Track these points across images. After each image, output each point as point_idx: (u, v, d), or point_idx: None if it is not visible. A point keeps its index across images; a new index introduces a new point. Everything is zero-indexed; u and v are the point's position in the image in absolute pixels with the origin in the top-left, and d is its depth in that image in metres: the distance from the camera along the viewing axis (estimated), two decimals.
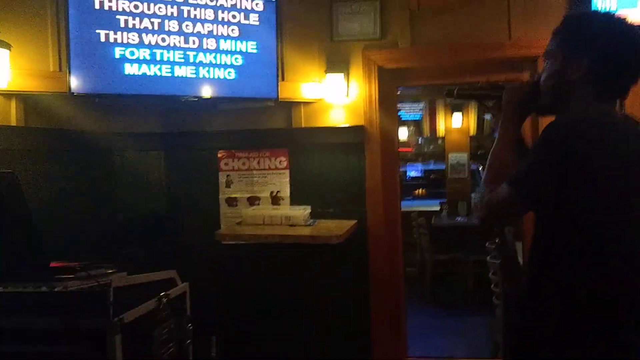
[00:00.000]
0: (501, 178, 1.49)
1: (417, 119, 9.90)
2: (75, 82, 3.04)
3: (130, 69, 3.18)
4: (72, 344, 1.82)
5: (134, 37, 3.19)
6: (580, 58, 1.50)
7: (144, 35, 3.22)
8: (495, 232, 4.47)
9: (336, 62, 3.76)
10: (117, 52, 3.15)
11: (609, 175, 1.38)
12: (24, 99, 3.11)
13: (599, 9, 1.56)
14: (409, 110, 9.61)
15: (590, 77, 1.50)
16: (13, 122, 3.05)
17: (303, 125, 3.86)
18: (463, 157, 7.25)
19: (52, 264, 1.86)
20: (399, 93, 4.18)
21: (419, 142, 10.27)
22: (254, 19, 3.51)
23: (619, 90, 1.55)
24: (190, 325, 2.38)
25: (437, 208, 7.11)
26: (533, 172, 1.43)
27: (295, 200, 3.88)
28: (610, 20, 1.54)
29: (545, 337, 1.45)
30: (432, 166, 9.51)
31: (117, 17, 3.15)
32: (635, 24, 1.52)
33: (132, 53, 3.18)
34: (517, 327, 1.59)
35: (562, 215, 1.44)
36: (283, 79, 3.71)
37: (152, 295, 2.15)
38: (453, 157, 7.30)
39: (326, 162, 3.83)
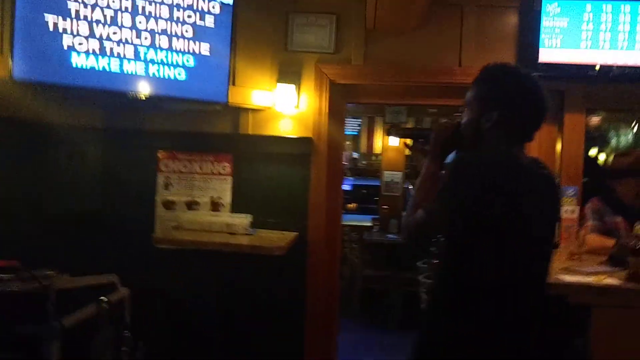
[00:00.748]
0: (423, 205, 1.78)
1: (355, 134, 9.98)
2: (17, 68, 2.88)
3: (77, 60, 3.04)
4: (6, 350, 1.70)
5: (84, 27, 3.05)
6: (491, 111, 1.78)
7: (94, 25, 3.08)
8: (429, 251, 4.57)
9: (289, 72, 3.74)
10: (65, 40, 3.00)
11: (491, 206, 1.64)
12: None
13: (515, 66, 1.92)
14: (347, 126, 9.66)
15: (499, 126, 1.78)
16: None
17: (250, 132, 3.81)
18: (398, 175, 7.36)
19: None
20: None
21: (354, 156, 10.36)
22: (209, 21, 3.44)
23: (524, 136, 1.84)
24: (127, 332, 2.28)
25: (369, 223, 7.18)
26: (442, 202, 1.70)
27: (236, 207, 3.81)
28: (519, 79, 1.83)
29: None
30: (364, 182, 9.58)
31: (69, 3, 3.00)
32: (538, 80, 1.84)
33: (80, 43, 3.04)
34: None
35: (456, 238, 1.73)
36: (234, 84, 3.65)
37: (91, 299, 2.05)
38: (388, 174, 7.39)
39: (271, 171, 3.79)
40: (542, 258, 1.84)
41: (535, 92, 1.81)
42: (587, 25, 3.53)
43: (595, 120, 5.80)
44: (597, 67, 3.50)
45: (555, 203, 1.94)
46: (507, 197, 1.66)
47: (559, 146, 3.76)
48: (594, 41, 3.51)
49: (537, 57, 3.52)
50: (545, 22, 3.52)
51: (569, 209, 3.44)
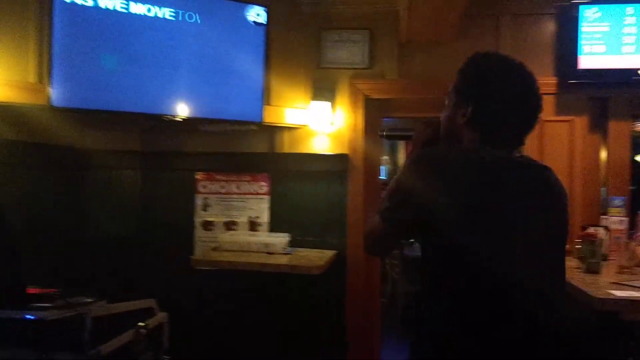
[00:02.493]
0: None
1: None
2: (56, 95, 2.94)
3: (115, 85, 3.08)
4: None
5: (123, 54, 3.10)
6: (464, 104, 1.52)
7: (131, 52, 3.13)
8: None
9: (323, 89, 3.73)
10: (104, 65, 3.05)
11: (449, 206, 1.38)
12: (1, 110, 2.97)
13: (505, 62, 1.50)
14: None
15: (475, 123, 1.50)
16: None
17: (286, 151, 3.80)
18: None
19: (29, 290, 1.75)
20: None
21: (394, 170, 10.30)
22: (243, 40, 3.46)
23: (507, 139, 1.52)
24: (166, 357, 2.27)
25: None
26: (391, 208, 1.47)
27: (274, 227, 3.79)
28: (500, 70, 1.52)
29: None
30: None
31: (105, 31, 3.06)
32: (530, 75, 1.52)
33: (118, 69, 3.09)
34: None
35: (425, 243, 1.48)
36: (268, 103, 3.65)
37: (129, 324, 2.04)
38: None
39: (307, 189, 3.77)
40: (537, 264, 1.44)
41: (521, 87, 1.50)
42: (629, 29, 3.41)
43: None
44: None
45: (551, 202, 1.53)
46: (468, 195, 1.38)
47: (603, 155, 3.63)
48: (637, 45, 3.39)
49: (577, 64, 3.42)
50: (585, 28, 3.42)
51: (616, 220, 3.32)
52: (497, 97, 1.48)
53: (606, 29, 3.41)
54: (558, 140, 3.60)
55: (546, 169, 1.56)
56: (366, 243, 1.60)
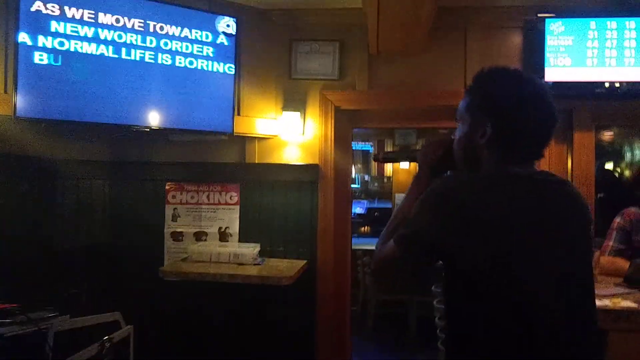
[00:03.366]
0: None
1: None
2: (21, 106, 2.90)
3: (81, 96, 3.05)
4: None
5: (87, 65, 3.07)
6: (484, 123, 1.47)
7: (98, 62, 3.11)
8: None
9: (293, 100, 3.74)
10: (68, 77, 3.02)
11: (480, 235, 1.34)
12: None
13: (511, 70, 1.45)
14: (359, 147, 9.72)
15: (496, 141, 1.47)
16: None
17: (256, 161, 3.80)
18: None
19: None
20: None
21: (365, 179, 10.35)
22: (213, 51, 3.46)
23: (529, 154, 1.50)
24: None
25: None
26: (415, 234, 1.41)
27: (244, 237, 3.79)
28: (515, 84, 1.48)
29: None
30: (377, 204, 9.54)
31: (72, 42, 3.03)
32: (544, 85, 1.51)
33: (83, 79, 3.06)
34: None
35: (450, 271, 1.44)
36: (239, 114, 3.65)
37: (94, 338, 2.02)
38: (399, 197, 7.36)
39: (278, 199, 3.77)
40: (575, 290, 1.42)
41: (538, 99, 1.46)
42: (593, 42, 3.49)
43: (608, 135, 5.73)
44: (607, 85, 3.45)
45: (581, 219, 1.50)
46: (499, 225, 1.35)
47: (569, 164, 3.70)
48: (599, 59, 3.47)
49: (543, 76, 3.48)
50: (550, 42, 3.49)
51: None
52: (517, 113, 1.44)
53: (570, 42, 3.48)
54: None
55: (567, 183, 1.55)
56: (380, 271, 1.54)
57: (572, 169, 3.67)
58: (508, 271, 1.35)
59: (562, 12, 3.52)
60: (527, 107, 1.44)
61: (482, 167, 1.50)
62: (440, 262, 1.45)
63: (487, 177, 1.46)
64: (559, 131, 3.63)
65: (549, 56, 3.50)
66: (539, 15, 3.51)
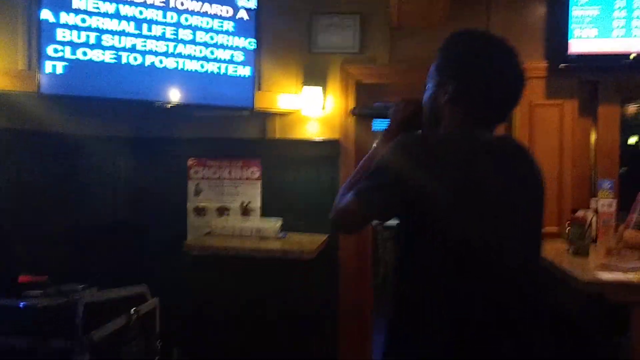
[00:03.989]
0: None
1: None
2: (44, 82, 2.93)
3: (104, 72, 3.08)
4: None
5: (109, 40, 3.09)
6: (446, 83, 1.48)
7: (121, 38, 3.12)
8: None
9: (314, 75, 3.73)
10: (91, 54, 3.04)
11: (432, 189, 1.35)
12: None
13: (480, 31, 1.46)
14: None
15: (456, 102, 1.47)
16: None
17: (277, 137, 3.81)
18: None
19: (21, 278, 1.76)
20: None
21: None
22: (233, 26, 3.45)
23: (490, 117, 1.50)
24: (159, 342, 2.30)
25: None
26: (373, 188, 1.40)
27: (266, 212, 3.81)
28: (479, 47, 1.49)
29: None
30: None
31: (94, 18, 3.05)
32: (510, 50, 1.48)
33: (107, 56, 3.08)
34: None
35: (407, 230, 1.43)
36: (259, 89, 3.65)
37: (121, 310, 2.06)
38: None
39: (299, 174, 3.78)
40: (522, 245, 1.45)
41: (502, 63, 1.46)
42: (620, 12, 3.41)
43: (633, 108, 5.63)
44: (632, 56, 3.38)
45: (534, 182, 1.51)
46: (454, 177, 1.35)
47: (593, 138, 3.65)
48: (626, 29, 3.39)
49: (567, 49, 3.43)
50: (575, 12, 3.43)
51: (605, 203, 3.35)
52: (479, 74, 1.45)
53: (596, 12, 3.41)
54: (548, 124, 3.61)
55: (524, 149, 1.55)
56: (337, 221, 1.50)
57: (596, 143, 3.62)
58: (457, 225, 1.36)
59: None
60: (487, 71, 1.45)
61: (445, 127, 1.51)
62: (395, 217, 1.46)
63: (445, 136, 1.47)
64: (584, 104, 3.61)
65: (573, 27, 3.44)
66: None
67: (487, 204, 1.39)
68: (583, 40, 3.43)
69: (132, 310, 2.08)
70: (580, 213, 3.14)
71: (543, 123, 3.62)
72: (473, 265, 1.37)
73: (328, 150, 3.74)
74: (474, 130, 1.46)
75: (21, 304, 1.70)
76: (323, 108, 3.72)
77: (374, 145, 1.65)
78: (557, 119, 3.62)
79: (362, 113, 1.97)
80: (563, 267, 2.64)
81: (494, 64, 1.45)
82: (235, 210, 3.85)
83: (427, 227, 1.39)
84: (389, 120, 1.72)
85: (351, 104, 3.73)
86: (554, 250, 3.08)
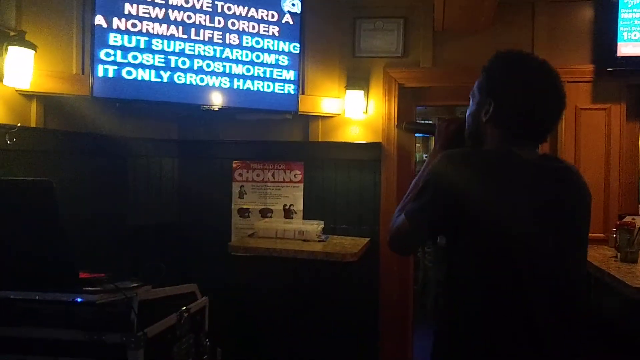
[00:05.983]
0: None
1: (425, 136, 9.88)
2: (97, 86, 3.02)
3: (153, 76, 3.16)
4: (94, 357, 1.79)
5: (158, 44, 3.17)
6: (487, 103, 1.52)
7: (169, 42, 3.20)
8: None
9: (357, 78, 3.75)
10: (141, 58, 3.12)
11: (474, 205, 1.40)
12: (44, 100, 3.07)
13: (528, 54, 1.51)
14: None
15: (496, 120, 1.51)
16: (32, 123, 3.02)
17: (320, 140, 3.84)
18: None
19: (81, 274, 1.83)
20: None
21: (424, 158, 10.27)
22: (278, 31, 3.50)
23: (530, 136, 1.53)
24: (207, 340, 2.34)
25: None
26: (419, 208, 1.47)
27: (308, 214, 3.85)
28: (520, 69, 1.53)
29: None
30: None
31: (144, 23, 3.13)
32: (551, 72, 1.51)
33: (156, 60, 3.16)
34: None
35: (453, 245, 1.48)
36: (303, 93, 3.69)
37: (172, 308, 2.11)
38: None
39: (341, 177, 3.81)
40: (560, 261, 1.45)
41: (542, 83, 1.50)
42: None
43: None
44: None
45: (573, 201, 1.52)
46: (492, 195, 1.41)
47: None
48: None
49: (615, 51, 3.38)
50: (624, 15, 3.38)
51: None
52: (517, 97, 1.49)
53: None
54: (594, 129, 3.56)
55: (569, 169, 1.57)
56: (392, 243, 1.59)
57: None
58: (496, 240, 1.40)
59: None
60: (528, 91, 1.49)
61: (486, 144, 1.55)
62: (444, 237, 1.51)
63: (484, 153, 1.52)
64: (631, 108, 3.55)
65: (622, 30, 3.39)
66: None
67: (525, 220, 1.41)
68: (632, 43, 3.38)
69: (184, 308, 2.12)
70: (628, 219, 3.10)
71: (589, 127, 3.57)
72: (511, 278, 1.40)
73: (370, 153, 3.76)
74: (513, 148, 1.48)
75: (80, 299, 1.76)
76: (365, 111, 3.75)
77: (425, 163, 1.70)
78: (603, 123, 3.57)
79: (409, 128, 2.03)
80: (611, 274, 2.61)
81: (533, 87, 1.49)
82: (278, 212, 3.90)
83: (469, 242, 1.43)
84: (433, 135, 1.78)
85: (393, 108, 3.75)
86: (601, 257, 3.04)
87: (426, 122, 1.95)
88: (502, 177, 1.44)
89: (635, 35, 3.38)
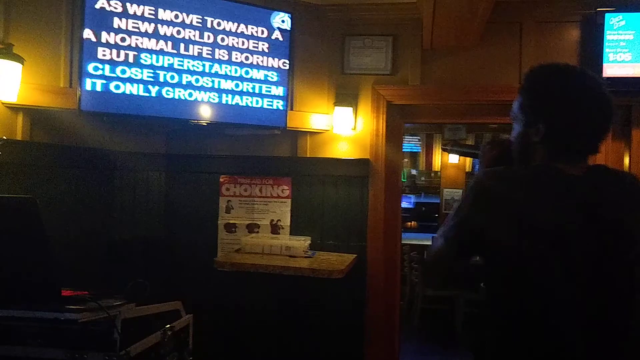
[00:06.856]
0: None
1: (416, 150, 9.93)
2: (85, 100, 3.01)
3: (142, 91, 3.15)
4: None
5: (147, 59, 3.16)
6: (537, 123, 1.49)
7: (158, 57, 3.20)
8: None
9: (345, 95, 3.77)
10: (130, 72, 3.12)
11: (510, 227, 1.37)
12: (31, 113, 3.05)
13: (564, 65, 1.45)
14: (406, 142, 9.70)
15: (549, 139, 1.48)
16: (18, 136, 3.00)
17: (308, 155, 3.85)
18: (458, 192, 7.26)
19: (63, 292, 1.81)
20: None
21: (412, 173, 10.30)
22: (267, 47, 3.51)
23: (584, 149, 1.49)
24: (191, 358, 2.32)
25: (429, 242, 7.06)
26: (457, 225, 1.46)
27: (295, 230, 3.84)
28: (565, 81, 1.49)
29: None
30: (423, 199, 9.49)
31: (133, 38, 3.13)
32: (596, 79, 1.49)
33: (145, 75, 3.16)
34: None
35: (488, 262, 1.46)
36: (292, 108, 3.70)
37: (156, 326, 2.09)
38: (448, 192, 7.31)
39: (329, 193, 3.81)
40: (618, 292, 1.39)
41: (590, 94, 1.46)
42: None
43: None
44: None
45: (627, 211, 1.44)
46: (530, 214, 1.36)
47: (627, 161, 3.62)
48: None
49: (601, 72, 3.42)
50: (609, 36, 3.42)
51: None
52: (570, 112, 1.45)
53: (630, 37, 3.41)
54: None
55: (627, 176, 1.53)
56: (425, 265, 1.55)
57: (629, 166, 3.58)
58: (534, 267, 1.36)
59: (622, 6, 3.44)
60: (577, 104, 1.45)
61: (534, 162, 1.52)
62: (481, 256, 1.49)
63: (523, 170, 1.50)
64: (616, 128, 3.58)
65: (607, 51, 3.44)
66: (599, 9, 3.45)
67: (564, 240, 1.36)
68: (617, 64, 3.43)
69: (167, 326, 2.10)
70: None
71: None
72: (533, 305, 1.37)
73: (358, 169, 3.77)
74: (558, 163, 1.45)
75: (61, 317, 1.74)
76: (354, 128, 3.76)
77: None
78: None
79: (454, 151, 2.09)
80: None
81: (583, 99, 1.46)
82: (265, 227, 3.89)
83: (499, 268, 1.42)
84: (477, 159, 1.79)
85: (382, 124, 3.76)
86: None
87: (470, 145, 1.98)
88: (540, 194, 1.40)
89: (620, 57, 3.42)
